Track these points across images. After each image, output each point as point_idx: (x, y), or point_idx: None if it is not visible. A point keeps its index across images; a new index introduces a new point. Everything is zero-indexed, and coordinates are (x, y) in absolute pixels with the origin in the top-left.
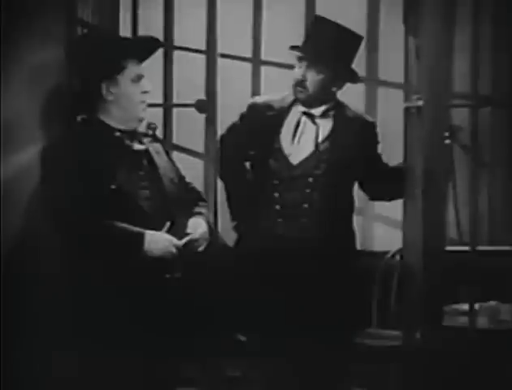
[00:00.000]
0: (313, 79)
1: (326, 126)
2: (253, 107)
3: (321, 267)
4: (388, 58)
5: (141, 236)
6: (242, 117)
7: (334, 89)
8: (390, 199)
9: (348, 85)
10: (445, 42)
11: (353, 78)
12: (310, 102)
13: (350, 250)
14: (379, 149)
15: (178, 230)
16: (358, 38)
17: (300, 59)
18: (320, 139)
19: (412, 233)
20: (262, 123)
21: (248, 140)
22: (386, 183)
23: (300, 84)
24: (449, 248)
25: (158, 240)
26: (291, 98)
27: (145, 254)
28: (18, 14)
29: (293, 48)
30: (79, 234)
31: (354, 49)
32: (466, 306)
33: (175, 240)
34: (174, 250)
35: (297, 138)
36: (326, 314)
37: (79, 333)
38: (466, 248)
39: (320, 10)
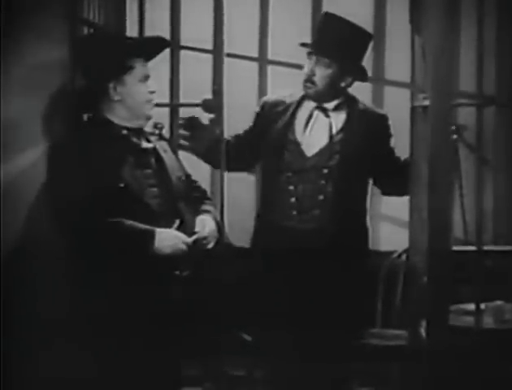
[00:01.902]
0: (321, 74)
1: (339, 118)
2: (266, 104)
3: (330, 265)
4: (394, 57)
5: (152, 234)
6: (257, 116)
7: (343, 85)
8: (402, 194)
9: (355, 84)
10: (451, 42)
11: (363, 75)
12: (320, 98)
13: (361, 248)
14: (392, 142)
15: (186, 228)
16: (368, 35)
17: (309, 54)
18: (334, 130)
19: (418, 233)
20: (274, 119)
21: (260, 139)
22: (399, 177)
23: (309, 79)
24: (454, 248)
25: (167, 238)
26: (300, 94)
27: (155, 252)
28: (21, 13)
29: (303, 45)
30: (87, 233)
31: (363, 45)
32: (471, 306)
33: (184, 238)
34: (184, 247)
35: (308, 129)
36: (331, 312)
37: (83, 332)
38: (472, 247)
39: (326, 10)
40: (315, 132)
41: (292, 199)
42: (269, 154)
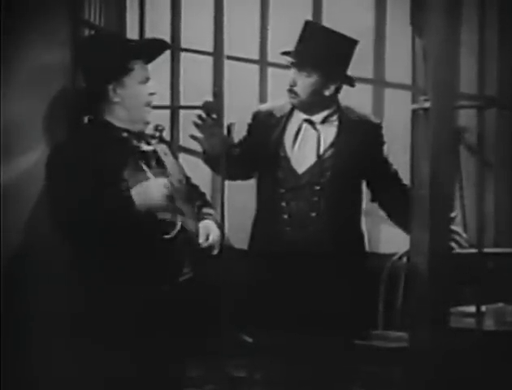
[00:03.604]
0: (303, 83)
1: (329, 132)
2: (257, 116)
3: (328, 270)
4: (395, 59)
5: (129, 195)
6: (249, 127)
7: (327, 94)
8: (387, 215)
9: (355, 87)
10: (452, 43)
11: (348, 82)
12: (306, 108)
13: (359, 253)
14: (385, 150)
15: (187, 231)
16: (351, 42)
17: (291, 65)
18: (323, 146)
19: (419, 235)
20: (266, 132)
21: (254, 151)
22: (389, 191)
23: (291, 89)
24: (455, 250)
25: (147, 187)
26: (290, 105)
27: (139, 211)
28: (22, 14)
29: (284, 54)
30: (89, 235)
31: (347, 53)
32: (472, 308)
33: (165, 181)
34: (166, 191)
35: (297, 145)
36: (333, 314)
37: (85, 333)
38: (473, 250)
39: (327, 12)
40: (304, 147)
41: (285, 216)
42: (262, 170)
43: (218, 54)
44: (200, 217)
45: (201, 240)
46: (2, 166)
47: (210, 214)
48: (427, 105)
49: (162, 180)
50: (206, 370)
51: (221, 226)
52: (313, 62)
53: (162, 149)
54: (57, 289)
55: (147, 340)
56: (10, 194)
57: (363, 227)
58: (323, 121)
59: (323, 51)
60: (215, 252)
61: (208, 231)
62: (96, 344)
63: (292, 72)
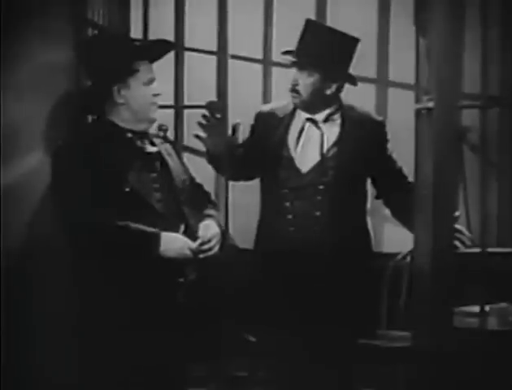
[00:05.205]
0: (304, 83)
1: (332, 131)
2: (259, 117)
3: (333, 270)
4: (398, 59)
5: (157, 237)
6: (252, 128)
7: (328, 93)
8: (392, 212)
9: (358, 87)
10: (455, 43)
11: (349, 81)
12: (308, 108)
13: (365, 251)
14: (390, 147)
15: (191, 233)
16: (352, 40)
17: (293, 64)
18: (327, 145)
19: (422, 234)
20: (269, 133)
21: (257, 152)
22: (394, 187)
23: (293, 88)
24: (459, 249)
25: (173, 241)
26: (292, 105)
27: (160, 255)
28: (24, 14)
29: (286, 53)
30: (93, 237)
31: (348, 52)
32: (476, 308)
33: (190, 243)
34: (188, 252)
35: (300, 145)
36: (336, 313)
37: (88, 334)
38: (476, 249)
39: (330, 12)
40: (307, 147)
41: (289, 216)
42: (265, 171)
43: (222, 54)
44: (201, 218)
45: (200, 234)
46: (2, 167)
47: (212, 216)
48: (430, 104)
49: (190, 243)
50: (208, 370)
51: (222, 226)
52: (314, 62)
53: (166, 149)
54: (57, 289)
55: (150, 340)
56: (11, 195)
57: (369, 225)
58: (326, 120)
59: (323, 50)
60: (214, 250)
61: (207, 228)
62: (97, 345)
63: (293, 72)
